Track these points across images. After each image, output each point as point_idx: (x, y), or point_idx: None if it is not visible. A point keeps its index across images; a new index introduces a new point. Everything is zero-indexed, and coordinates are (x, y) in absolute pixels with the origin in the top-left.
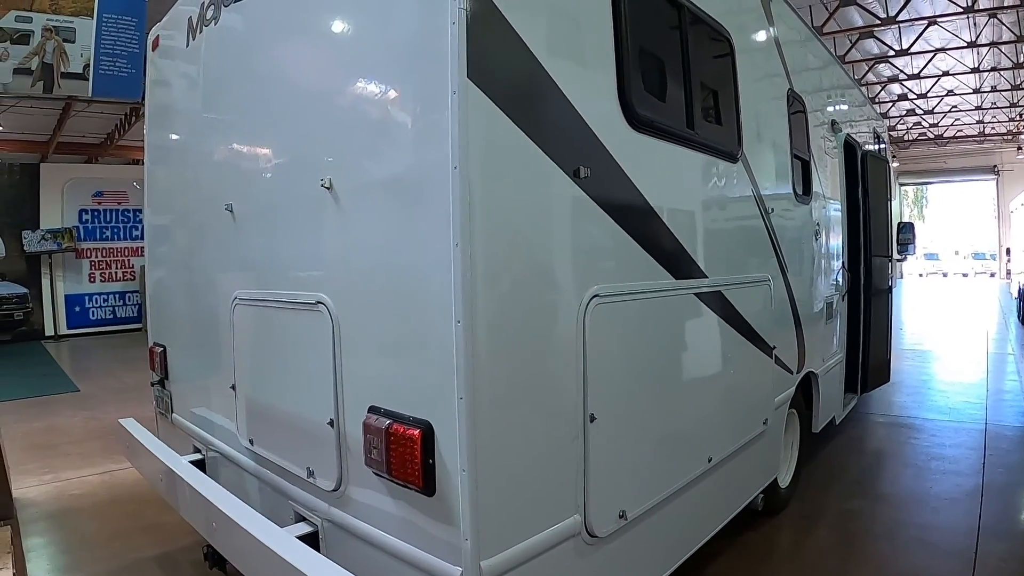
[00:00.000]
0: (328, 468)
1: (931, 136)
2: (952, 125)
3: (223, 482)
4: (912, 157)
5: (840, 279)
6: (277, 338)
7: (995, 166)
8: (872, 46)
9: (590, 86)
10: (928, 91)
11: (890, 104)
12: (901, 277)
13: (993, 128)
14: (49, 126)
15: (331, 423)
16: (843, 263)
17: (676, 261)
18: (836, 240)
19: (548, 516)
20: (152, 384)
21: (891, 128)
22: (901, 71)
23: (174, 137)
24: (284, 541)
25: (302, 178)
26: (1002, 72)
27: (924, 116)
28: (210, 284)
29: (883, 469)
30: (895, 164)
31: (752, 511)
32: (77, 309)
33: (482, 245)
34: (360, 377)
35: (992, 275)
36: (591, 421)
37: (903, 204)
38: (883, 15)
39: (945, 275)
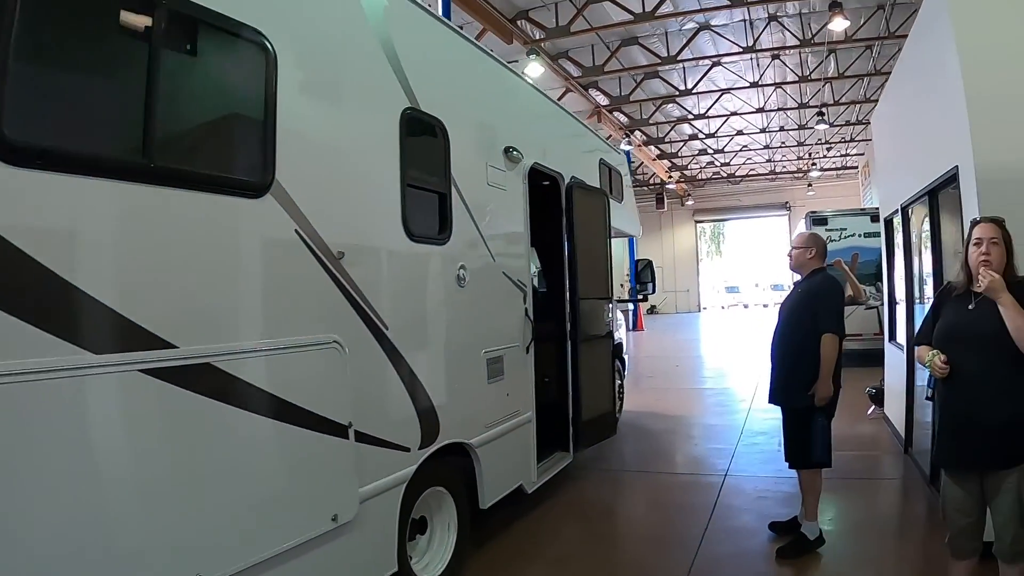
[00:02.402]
0: None
1: (724, 175)
2: (744, 164)
3: None
4: (707, 195)
5: (521, 328)
6: None
7: (787, 202)
8: (659, 86)
9: None
10: (717, 131)
11: (681, 144)
12: (701, 309)
13: (784, 167)
14: None
15: None
16: (525, 309)
17: (96, 331)
18: (504, 284)
19: None
20: None
21: (684, 167)
22: (689, 112)
23: None
24: None
25: None
26: (788, 112)
27: (715, 155)
28: None
29: (582, 544)
30: (690, 202)
31: None
32: None
33: None
34: None
35: None
36: None
37: (700, 240)
38: (665, 54)
39: (746, 307)
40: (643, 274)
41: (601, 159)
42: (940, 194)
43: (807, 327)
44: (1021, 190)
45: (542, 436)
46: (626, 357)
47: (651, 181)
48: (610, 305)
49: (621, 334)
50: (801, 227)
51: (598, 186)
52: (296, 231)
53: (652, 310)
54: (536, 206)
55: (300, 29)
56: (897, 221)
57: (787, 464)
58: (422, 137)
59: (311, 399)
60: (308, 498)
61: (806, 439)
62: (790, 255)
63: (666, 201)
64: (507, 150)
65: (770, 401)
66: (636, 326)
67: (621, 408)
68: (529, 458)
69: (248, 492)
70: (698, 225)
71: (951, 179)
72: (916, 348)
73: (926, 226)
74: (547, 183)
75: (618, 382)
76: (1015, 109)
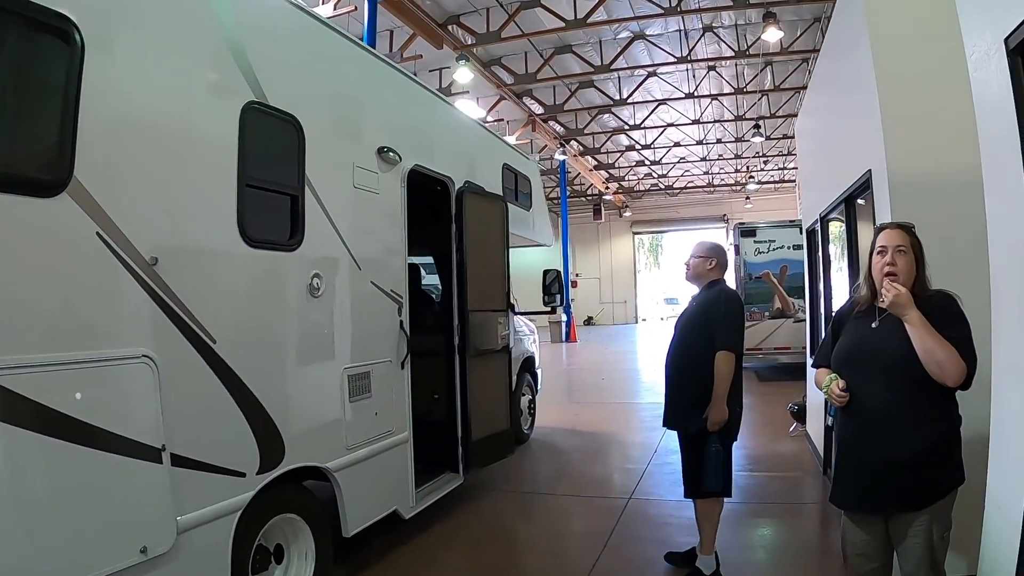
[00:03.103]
0: None
1: (662, 187)
2: (682, 176)
3: None
4: (645, 207)
5: (395, 342)
6: None
7: (725, 215)
8: (594, 96)
9: None
10: (654, 142)
11: (618, 154)
12: (640, 321)
13: (722, 179)
14: None
15: None
16: (400, 322)
17: None
18: (373, 294)
19: None
20: None
21: (622, 178)
22: (625, 122)
23: None
24: None
25: None
26: (725, 125)
27: (653, 167)
28: None
29: (460, 575)
30: (628, 213)
31: None
32: None
33: None
34: None
35: None
36: None
37: (638, 252)
38: (598, 63)
39: None
40: (551, 285)
41: (505, 164)
42: (857, 202)
43: (703, 343)
44: (934, 194)
45: (431, 456)
46: (539, 371)
47: (588, 192)
48: (506, 318)
49: (532, 347)
50: (731, 238)
51: (499, 192)
52: (98, 234)
53: (589, 321)
54: (433, 213)
55: (118, 12)
56: (819, 232)
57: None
58: (270, 134)
59: (115, 420)
60: (110, 529)
61: (700, 466)
62: (688, 265)
63: (604, 212)
64: (381, 150)
65: (664, 425)
66: (569, 337)
67: (533, 424)
68: (405, 481)
69: (36, 522)
70: (636, 236)
71: (865, 184)
72: (815, 371)
73: (843, 236)
74: (439, 188)
75: (528, 397)
76: (929, 109)
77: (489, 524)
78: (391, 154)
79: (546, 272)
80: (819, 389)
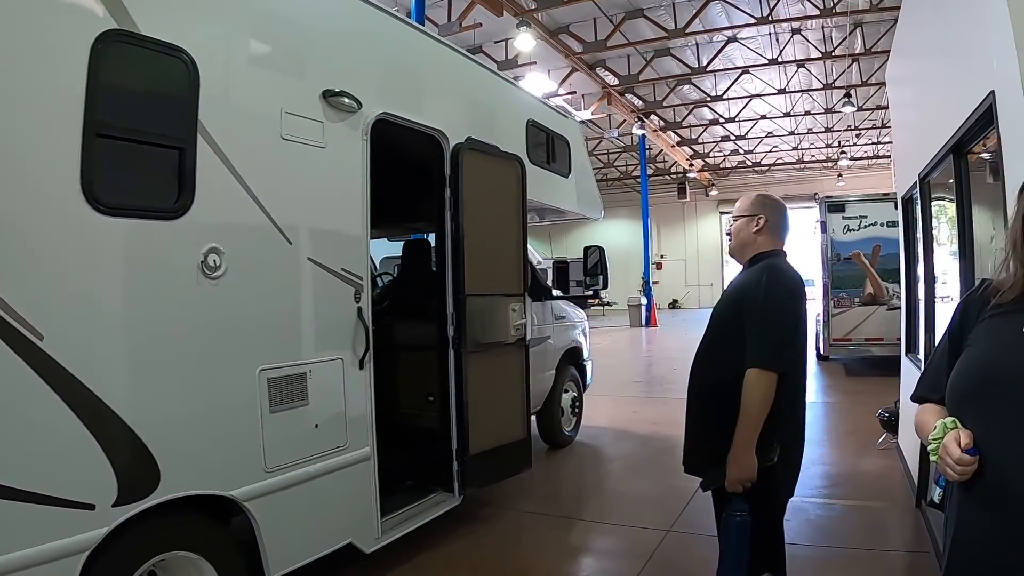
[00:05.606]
0: None
1: (750, 164)
2: (770, 152)
3: None
4: (732, 185)
5: (350, 335)
6: None
7: (816, 193)
8: (671, 65)
9: None
10: (738, 115)
11: (702, 129)
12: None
13: (812, 155)
14: None
15: None
16: (359, 309)
17: None
18: (313, 275)
19: None
20: None
21: (707, 155)
22: (707, 94)
23: None
24: None
25: None
26: (813, 95)
27: (739, 142)
28: None
29: None
30: (714, 192)
31: None
32: None
33: None
34: None
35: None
36: None
37: (725, 232)
38: (672, 27)
39: None
40: (593, 267)
41: (531, 121)
42: (968, 150)
43: (733, 351)
44: None
45: (424, 471)
46: (587, 364)
47: (672, 170)
48: (521, 304)
49: (580, 336)
50: (818, 214)
51: (520, 153)
52: None
53: (674, 304)
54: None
55: None
56: (917, 200)
57: None
58: (142, 71)
59: None
60: None
61: (720, 537)
62: (730, 233)
63: (688, 191)
64: (329, 94)
65: (683, 463)
66: (650, 322)
67: (578, 425)
68: (366, 508)
69: None
70: (723, 216)
71: (984, 118)
72: (917, 407)
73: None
74: (433, 145)
75: (572, 394)
76: None
77: (486, 557)
78: (344, 99)
79: (587, 250)
80: (923, 441)
